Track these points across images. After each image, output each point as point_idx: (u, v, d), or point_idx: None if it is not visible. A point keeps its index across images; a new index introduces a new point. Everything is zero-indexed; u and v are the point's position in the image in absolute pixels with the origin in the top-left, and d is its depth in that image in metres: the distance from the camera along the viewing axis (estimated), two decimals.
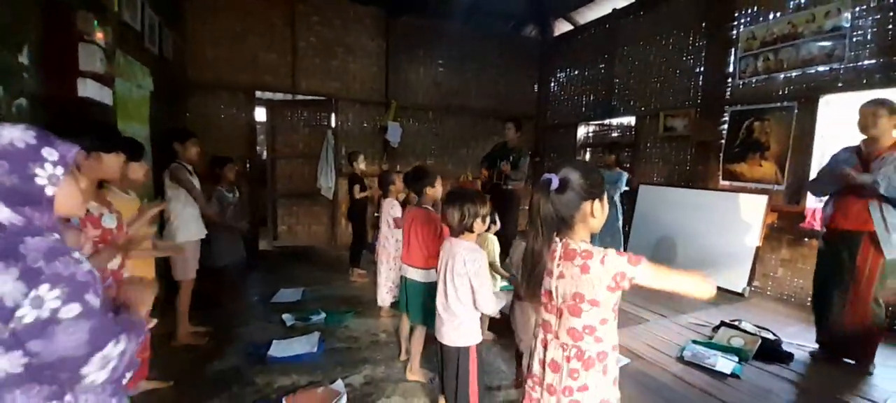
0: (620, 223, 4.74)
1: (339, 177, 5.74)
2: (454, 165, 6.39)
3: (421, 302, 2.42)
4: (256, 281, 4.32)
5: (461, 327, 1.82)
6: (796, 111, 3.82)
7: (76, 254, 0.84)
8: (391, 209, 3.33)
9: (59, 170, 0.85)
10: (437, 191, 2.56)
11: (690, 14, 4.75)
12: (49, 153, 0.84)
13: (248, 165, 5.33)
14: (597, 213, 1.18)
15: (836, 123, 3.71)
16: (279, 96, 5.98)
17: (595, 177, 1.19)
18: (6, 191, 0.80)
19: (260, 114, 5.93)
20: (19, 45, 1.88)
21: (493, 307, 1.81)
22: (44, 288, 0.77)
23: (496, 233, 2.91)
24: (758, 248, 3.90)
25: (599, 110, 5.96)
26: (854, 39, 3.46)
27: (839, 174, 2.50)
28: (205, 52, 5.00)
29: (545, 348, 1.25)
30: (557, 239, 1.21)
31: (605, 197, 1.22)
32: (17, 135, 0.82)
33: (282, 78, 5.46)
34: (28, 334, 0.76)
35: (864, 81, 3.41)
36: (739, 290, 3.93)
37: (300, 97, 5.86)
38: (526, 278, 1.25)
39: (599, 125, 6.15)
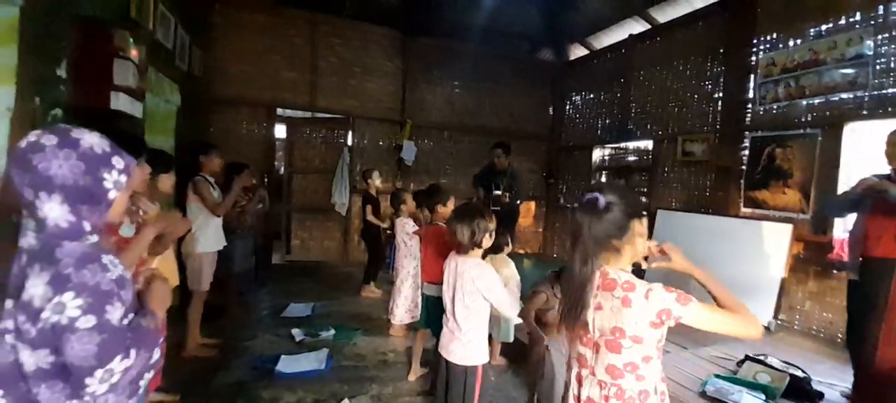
0: None
1: (353, 194, 5.79)
2: (467, 184, 6.38)
3: (426, 309, 2.53)
4: (267, 295, 4.33)
5: (470, 345, 1.79)
6: (820, 138, 3.72)
7: (106, 259, 0.89)
8: (404, 227, 3.33)
9: (123, 178, 0.94)
10: (447, 210, 2.57)
11: (707, 40, 4.74)
12: (117, 161, 0.92)
13: (265, 179, 5.42)
14: (644, 232, 1.13)
15: (862, 151, 3.60)
16: (298, 113, 6.13)
17: (632, 195, 1.15)
18: (75, 189, 0.86)
19: (279, 131, 6.07)
20: (58, 59, 1.98)
21: (514, 309, 1.83)
22: (68, 296, 0.81)
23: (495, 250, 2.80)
24: (783, 280, 3.74)
25: (615, 133, 5.93)
26: (877, 67, 3.39)
27: (866, 186, 2.32)
28: (229, 70, 5.19)
29: (580, 384, 1.17)
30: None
31: (644, 218, 1.16)
32: (95, 141, 0.90)
33: (301, 95, 5.61)
34: (49, 335, 0.81)
35: (890, 109, 3.31)
36: (764, 324, 3.76)
37: (318, 115, 6.00)
38: (568, 309, 1.14)
39: (615, 148, 6.11)
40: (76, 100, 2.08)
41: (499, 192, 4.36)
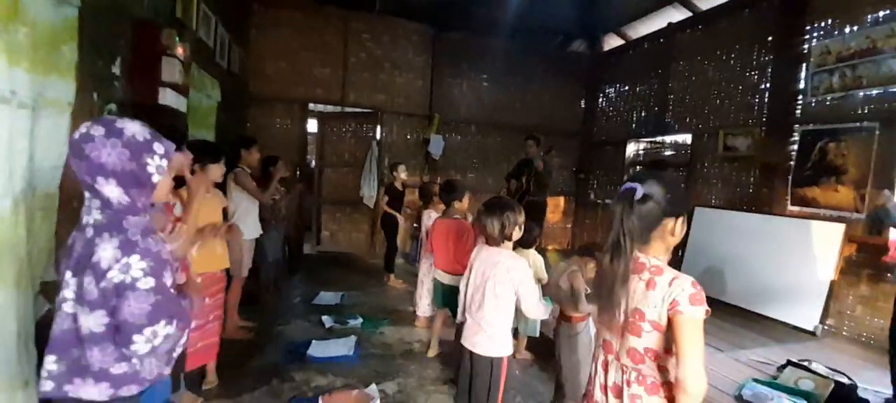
0: None
1: (380, 187, 5.90)
2: (494, 179, 6.36)
3: (440, 294, 2.76)
4: (298, 283, 4.50)
5: (496, 336, 1.79)
6: (878, 132, 3.44)
7: (161, 236, 1.03)
8: (428, 220, 3.38)
9: (164, 162, 1.03)
10: (463, 205, 2.68)
11: (754, 28, 4.47)
12: (158, 147, 1.02)
13: (298, 173, 5.61)
14: (677, 232, 1.09)
15: None
16: (329, 108, 6.29)
17: (679, 193, 1.12)
18: (124, 173, 0.96)
19: (311, 126, 6.26)
20: (113, 57, 2.13)
21: (542, 312, 1.83)
22: (134, 258, 0.94)
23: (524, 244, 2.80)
24: (832, 283, 3.50)
25: (651, 127, 5.71)
26: None
27: None
28: (265, 67, 5.39)
29: (606, 371, 1.16)
30: None
31: (682, 218, 1.11)
32: (137, 129, 1.00)
33: (332, 91, 5.75)
34: (111, 293, 0.93)
35: None
36: (810, 328, 3.53)
37: (349, 109, 6.13)
38: (603, 297, 1.13)
39: (651, 142, 5.88)
40: (129, 96, 2.24)
41: (537, 161, 4.46)
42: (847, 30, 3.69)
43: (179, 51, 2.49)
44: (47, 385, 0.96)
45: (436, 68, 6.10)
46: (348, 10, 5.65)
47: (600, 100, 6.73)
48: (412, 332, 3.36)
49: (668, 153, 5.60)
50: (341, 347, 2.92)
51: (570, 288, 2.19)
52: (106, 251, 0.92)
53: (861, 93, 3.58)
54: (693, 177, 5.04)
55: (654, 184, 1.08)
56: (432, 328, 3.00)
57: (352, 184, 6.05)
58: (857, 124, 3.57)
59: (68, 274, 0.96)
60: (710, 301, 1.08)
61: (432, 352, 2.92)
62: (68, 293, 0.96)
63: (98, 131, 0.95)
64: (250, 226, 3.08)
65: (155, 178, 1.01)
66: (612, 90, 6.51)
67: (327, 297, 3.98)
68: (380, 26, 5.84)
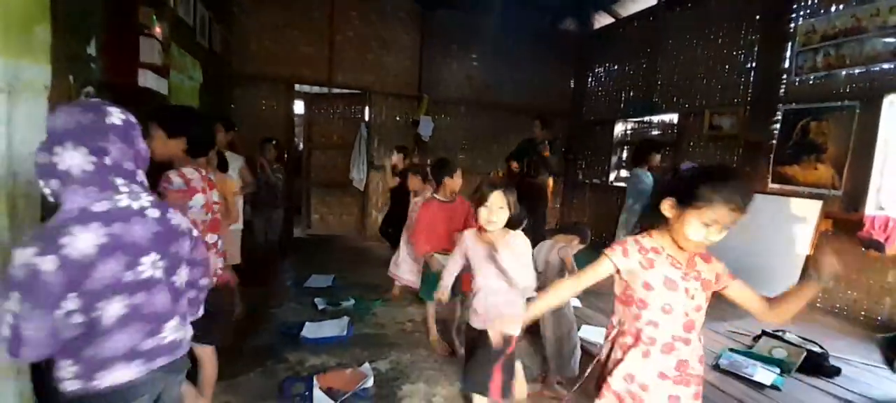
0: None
1: (370, 170, 5.86)
2: (484, 160, 6.37)
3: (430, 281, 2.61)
4: (290, 266, 4.51)
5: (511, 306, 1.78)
6: (858, 111, 3.52)
7: None
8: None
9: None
10: (455, 182, 2.65)
11: (744, 6, 4.47)
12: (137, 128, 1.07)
13: (285, 155, 5.55)
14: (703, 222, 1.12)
15: None
16: (316, 89, 6.18)
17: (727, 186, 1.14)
18: (142, 158, 1.05)
19: (298, 107, 6.15)
20: (87, 37, 2.05)
21: (532, 282, 1.81)
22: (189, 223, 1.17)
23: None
24: (808, 257, 3.64)
25: (639, 107, 5.74)
26: None
27: None
28: (249, 46, 5.24)
29: (647, 357, 1.22)
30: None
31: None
32: (126, 117, 1.03)
33: (319, 71, 5.63)
34: (196, 248, 1.18)
35: None
36: None
37: (336, 90, 6.03)
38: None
39: (638, 122, 5.93)
40: (106, 78, 2.17)
41: (542, 146, 4.47)
42: (833, 8, 3.72)
43: (157, 30, 2.41)
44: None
45: (425, 48, 6.00)
46: None
47: (589, 79, 6.72)
48: (404, 311, 3.42)
49: (654, 132, 5.65)
50: (334, 328, 2.97)
51: (559, 263, 2.25)
52: (180, 220, 1.12)
53: (844, 73, 3.65)
54: (679, 156, 5.11)
55: (700, 171, 1.21)
56: (429, 320, 2.94)
57: (341, 166, 6.01)
58: (839, 103, 3.65)
59: (153, 255, 1.02)
60: None
61: (434, 339, 2.86)
62: (163, 263, 1.05)
63: (118, 118, 1.01)
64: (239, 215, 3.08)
65: (146, 155, 1.11)
66: (602, 70, 6.50)
67: (319, 280, 4.01)
68: (367, 3, 5.70)
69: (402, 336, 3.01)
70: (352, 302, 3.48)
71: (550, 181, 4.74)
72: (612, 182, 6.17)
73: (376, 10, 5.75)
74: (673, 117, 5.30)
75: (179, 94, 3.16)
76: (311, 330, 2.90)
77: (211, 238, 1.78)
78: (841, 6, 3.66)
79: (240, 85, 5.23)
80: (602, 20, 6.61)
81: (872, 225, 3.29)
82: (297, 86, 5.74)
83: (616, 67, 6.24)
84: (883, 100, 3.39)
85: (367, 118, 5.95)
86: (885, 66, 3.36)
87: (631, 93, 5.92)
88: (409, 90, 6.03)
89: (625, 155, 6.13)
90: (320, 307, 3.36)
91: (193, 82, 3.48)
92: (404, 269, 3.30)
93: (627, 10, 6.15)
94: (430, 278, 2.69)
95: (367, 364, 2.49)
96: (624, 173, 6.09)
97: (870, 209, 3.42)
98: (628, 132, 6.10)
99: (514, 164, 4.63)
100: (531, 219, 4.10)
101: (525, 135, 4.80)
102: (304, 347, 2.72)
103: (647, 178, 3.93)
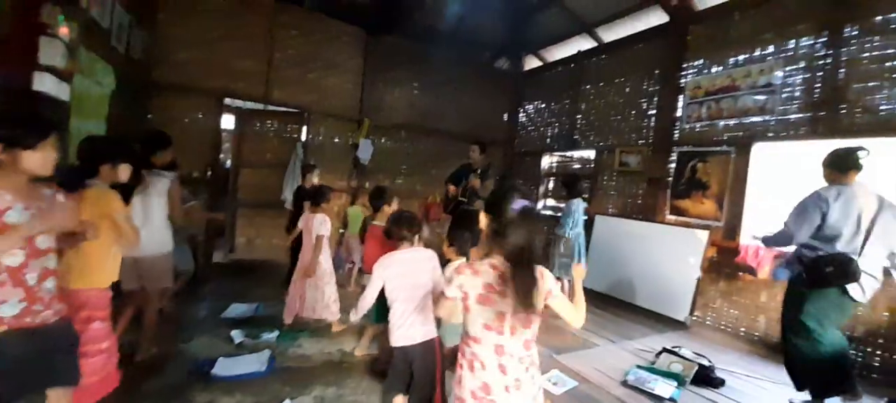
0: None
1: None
2: (423, 185, 6.49)
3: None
4: (207, 295, 4.12)
5: (428, 322, 2.01)
6: (733, 155, 4.21)
7: None
8: (320, 225, 3.31)
9: None
10: (392, 208, 2.78)
11: (647, 61, 5.18)
12: None
13: (208, 172, 5.19)
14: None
15: (765, 168, 4.10)
16: (249, 105, 5.92)
17: (536, 209, 1.40)
18: None
19: (228, 122, 5.82)
20: None
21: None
22: None
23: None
24: (699, 280, 4.18)
25: (563, 142, 6.29)
26: (783, 95, 3.89)
27: None
28: (175, 54, 4.91)
29: (504, 372, 1.30)
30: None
31: None
32: None
33: (254, 86, 5.43)
34: None
35: (792, 132, 3.82)
36: (682, 319, 4.18)
37: (271, 107, 5.83)
38: (520, 301, 1.28)
39: (563, 156, 6.47)
40: None
41: (473, 177, 4.50)
42: (714, 69, 4.46)
43: (63, 31, 2.21)
44: None
45: (368, 72, 6.07)
46: (276, 2, 5.39)
47: (522, 114, 7.24)
48: (332, 342, 3.28)
49: (576, 166, 6.21)
50: (252, 363, 2.74)
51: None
52: None
53: (722, 123, 4.35)
54: (596, 189, 5.66)
55: (527, 200, 1.34)
56: (366, 333, 3.06)
57: (274, 186, 5.74)
58: (719, 148, 4.33)
59: None
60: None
61: (361, 351, 2.99)
62: None
63: None
64: (167, 238, 2.74)
65: None
66: (532, 106, 7.06)
67: (240, 309, 3.71)
68: (310, 23, 5.66)
69: (330, 367, 2.87)
70: (275, 333, 3.26)
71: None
72: (540, 210, 6.59)
73: (320, 30, 5.73)
74: (591, 153, 5.88)
75: (84, 101, 2.88)
76: (224, 367, 2.66)
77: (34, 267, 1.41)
78: (720, 67, 4.40)
79: (161, 95, 4.85)
80: (532, 62, 7.22)
81: (747, 253, 3.88)
82: (228, 101, 5.46)
83: (544, 105, 6.81)
84: (751, 147, 4.09)
85: (304, 138, 5.80)
86: (755, 118, 4.07)
87: (556, 130, 6.48)
88: (350, 112, 6.02)
89: (552, 185, 6.61)
90: (237, 340, 3.10)
91: (103, 89, 3.19)
92: (335, 305, 3.35)
93: (553, 56, 6.80)
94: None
95: (287, 401, 2.36)
96: (550, 201, 6.55)
97: (744, 239, 4.05)
98: (554, 164, 6.62)
99: (452, 188, 4.75)
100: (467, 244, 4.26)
101: (464, 161, 4.96)
102: (217, 386, 2.48)
103: (581, 207, 4.45)
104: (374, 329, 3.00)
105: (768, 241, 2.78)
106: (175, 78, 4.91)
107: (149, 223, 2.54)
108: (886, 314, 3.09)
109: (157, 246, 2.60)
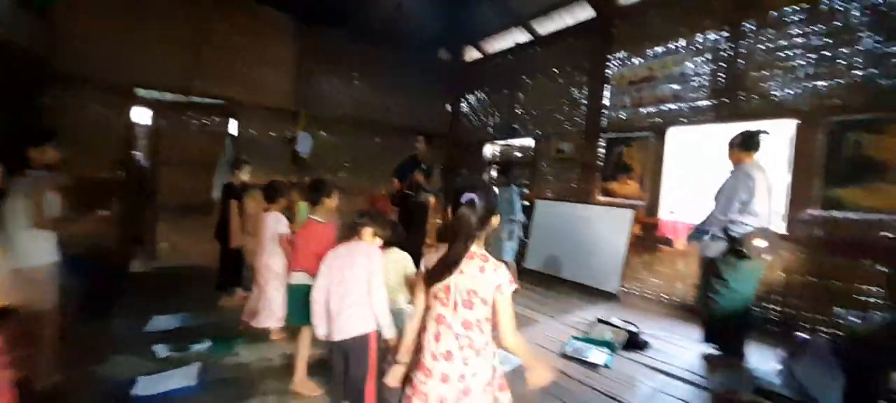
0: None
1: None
2: (367, 179, 6.35)
3: (304, 303, 2.29)
4: (125, 309, 3.64)
5: (364, 316, 1.97)
6: (651, 140, 4.61)
7: None
8: (277, 223, 3.11)
9: None
10: (332, 202, 2.60)
11: (577, 53, 5.48)
12: None
13: (119, 172, 4.66)
14: (494, 224, 1.43)
15: (678, 151, 4.54)
16: (169, 97, 5.39)
17: (492, 196, 1.43)
18: None
19: (144, 116, 5.26)
20: None
21: (384, 312, 2.00)
22: None
23: (401, 245, 2.75)
24: (626, 254, 4.55)
25: (503, 131, 6.47)
26: (693, 84, 4.32)
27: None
28: (74, 41, 4.32)
29: (438, 340, 1.37)
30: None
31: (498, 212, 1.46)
32: None
33: (174, 77, 4.95)
34: None
35: (700, 118, 4.25)
36: (613, 291, 4.53)
37: (195, 99, 5.35)
38: (438, 272, 1.36)
39: (503, 145, 6.66)
40: None
41: (417, 172, 4.56)
42: (635, 61, 4.83)
43: None
44: None
45: (304, 63, 5.79)
46: None
47: (463, 105, 7.34)
48: (272, 347, 3.08)
49: (517, 154, 6.43)
50: (180, 378, 2.52)
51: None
52: None
53: (643, 110, 4.73)
54: (535, 175, 5.91)
55: (479, 192, 1.37)
56: (299, 352, 2.57)
57: (202, 186, 5.29)
58: (640, 134, 4.71)
59: None
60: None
61: (303, 389, 2.47)
62: None
63: None
64: (45, 247, 2.36)
65: None
66: (473, 97, 7.18)
67: (164, 322, 3.37)
68: (237, 11, 5.26)
69: (270, 374, 2.69)
70: (207, 344, 3.00)
71: (433, 199, 4.93)
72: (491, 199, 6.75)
73: (249, 18, 5.35)
74: (530, 142, 6.12)
75: None
76: (147, 386, 2.42)
77: None
78: (641, 59, 4.77)
79: (58, 87, 4.25)
80: (472, 54, 7.33)
81: (665, 227, 4.28)
82: (144, 93, 4.92)
83: (484, 96, 6.95)
84: (666, 132, 4.49)
85: (235, 132, 5.41)
86: (671, 105, 4.47)
87: (497, 119, 6.65)
88: (286, 105, 5.71)
89: (494, 173, 6.79)
90: (162, 355, 2.83)
91: None
92: (278, 313, 3.03)
93: (492, 48, 6.95)
94: (298, 298, 2.41)
95: None
96: (495, 190, 6.74)
97: (663, 214, 4.46)
98: (496, 153, 6.81)
99: (396, 182, 4.70)
100: (413, 235, 4.24)
101: (409, 154, 4.92)
102: None
103: (516, 193, 4.65)
104: (308, 330, 2.64)
105: (699, 233, 2.98)
106: (77, 68, 4.34)
107: (18, 230, 2.22)
108: (783, 274, 3.57)
109: (31, 257, 2.27)
